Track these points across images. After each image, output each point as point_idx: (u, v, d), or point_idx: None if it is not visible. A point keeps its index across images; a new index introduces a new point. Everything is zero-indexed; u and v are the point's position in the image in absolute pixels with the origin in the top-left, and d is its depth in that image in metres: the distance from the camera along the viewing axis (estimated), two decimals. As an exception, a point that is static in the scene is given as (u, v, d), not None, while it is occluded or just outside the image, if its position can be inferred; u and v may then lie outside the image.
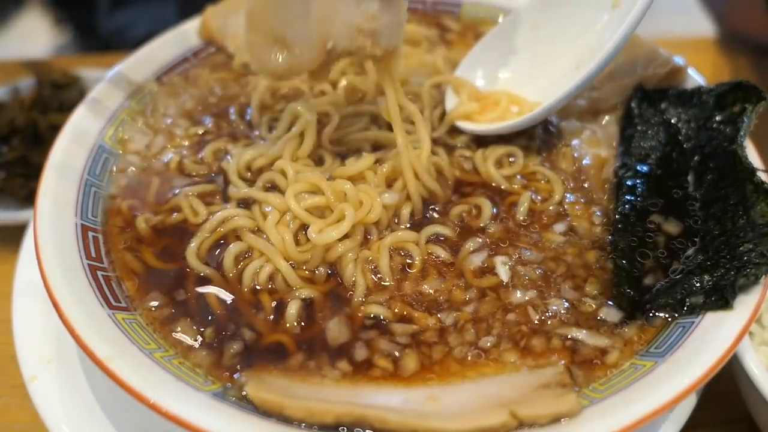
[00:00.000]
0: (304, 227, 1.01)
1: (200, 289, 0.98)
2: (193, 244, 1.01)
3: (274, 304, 0.96)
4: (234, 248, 1.00)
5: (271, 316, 0.94)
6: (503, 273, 0.99)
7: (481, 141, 1.20)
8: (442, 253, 1.02)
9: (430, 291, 0.97)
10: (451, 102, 1.25)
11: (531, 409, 0.78)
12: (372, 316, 0.94)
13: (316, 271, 0.99)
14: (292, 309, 0.94)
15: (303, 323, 0.94)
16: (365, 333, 0.92)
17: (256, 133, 1.22)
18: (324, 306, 0.96)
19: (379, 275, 0.99)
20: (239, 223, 1.03)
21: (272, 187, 1.08)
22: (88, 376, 1.03)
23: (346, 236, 0.99)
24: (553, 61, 1.22)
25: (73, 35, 2.76)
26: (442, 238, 1.04)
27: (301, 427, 0.78)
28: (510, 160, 1.17)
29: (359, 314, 0.95)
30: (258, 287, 0.97)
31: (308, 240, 1.00)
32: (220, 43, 1.41)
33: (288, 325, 0.93)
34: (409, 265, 1.00)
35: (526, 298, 0.96)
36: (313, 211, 1.02)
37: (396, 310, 0.95)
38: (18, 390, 1.06)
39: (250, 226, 1.03)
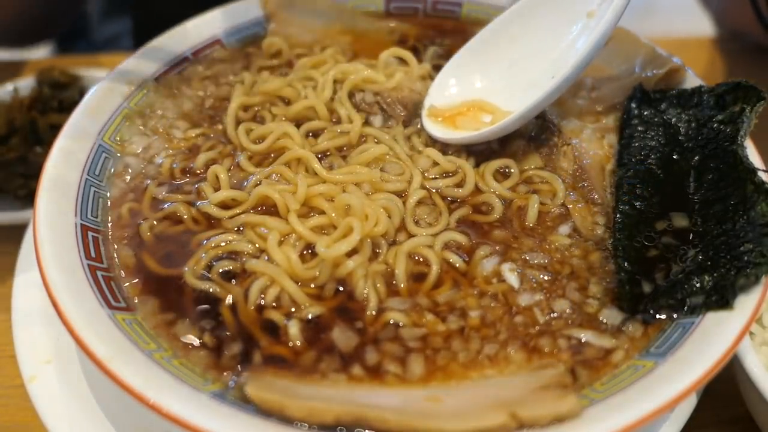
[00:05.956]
0: (308, 245, 1.00)
1: (202, 293, 0.97)
2: (190, 264, 0.99)
3: (280, 319, 0.93)
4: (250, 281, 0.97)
5: (277, 332, 0.92)
6: (513, 279, 0.99)
7: (470, 154, 1.17)
8: (456, 260, 1.01)
9: (444, 298, 0.96)
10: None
11: (531, 410, 0.78)
12: (391, 322, 0.93)
13: (324, 288, 0.97)
14: (294, 328, 0.91)
15: (309, 339, 0.91)
16: (379, 337, 0.92)
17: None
18: (332, 321, 0.93)
19: (393, 283, 0.97)
20: (238, 247, 1.01)
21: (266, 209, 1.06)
22: (87, 376, 1.03)
23: (354, 251, 0.97)
24: (529, 71, 1.21)
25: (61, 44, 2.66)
26: (454, 243, 1.03)
27: (302, 427, 0.78)
28: (506, 171, 1.15)
29: (373, 327, 0.93)
30: (263, 304, 0.95)
31: (313, 257, 0.98)
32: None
33: (291, 344, 0.91)
34: (424, 272, 0.99)
35: (533, 301, 0.96)
36: (316, 230, 1.01)
37: (410, 317, 0.93)
38: (18, 390, 1.06)
39: (251, 250, 1.00)
